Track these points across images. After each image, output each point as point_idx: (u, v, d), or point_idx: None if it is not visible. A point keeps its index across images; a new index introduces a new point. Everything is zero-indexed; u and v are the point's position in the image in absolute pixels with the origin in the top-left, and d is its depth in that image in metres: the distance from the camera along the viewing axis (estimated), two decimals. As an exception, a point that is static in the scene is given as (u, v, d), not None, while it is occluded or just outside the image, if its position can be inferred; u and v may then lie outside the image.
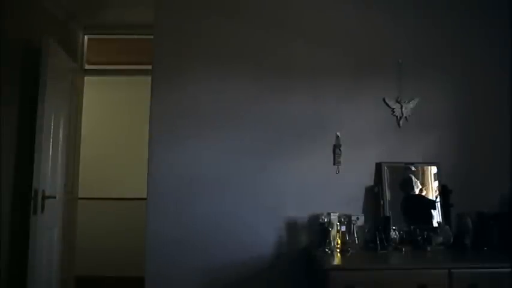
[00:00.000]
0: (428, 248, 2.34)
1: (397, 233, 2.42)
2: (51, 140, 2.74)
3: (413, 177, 2.57)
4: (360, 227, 2.42)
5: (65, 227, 3.07)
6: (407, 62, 2.68)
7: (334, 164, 2.60)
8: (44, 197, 2.57)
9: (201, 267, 2.49)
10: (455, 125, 2.67)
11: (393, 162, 2.60)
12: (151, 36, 2.64)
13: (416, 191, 2.57)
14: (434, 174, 2.59)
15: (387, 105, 2.65)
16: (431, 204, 2.55)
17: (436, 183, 2.57)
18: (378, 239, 2.32)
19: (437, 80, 2.69)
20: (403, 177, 2.58)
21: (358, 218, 2.44)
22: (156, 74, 2.61)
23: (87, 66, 3.70)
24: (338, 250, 2.28)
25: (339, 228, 2.33)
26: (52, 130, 2.75)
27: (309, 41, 2.67)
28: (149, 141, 2.57)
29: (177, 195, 2.53)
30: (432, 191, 2.58)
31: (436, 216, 2.53)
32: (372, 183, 2.59)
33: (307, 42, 2.67)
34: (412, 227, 2.46)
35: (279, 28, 2.67)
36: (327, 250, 2.28)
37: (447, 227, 2.46)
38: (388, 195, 2.53)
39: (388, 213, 2.49)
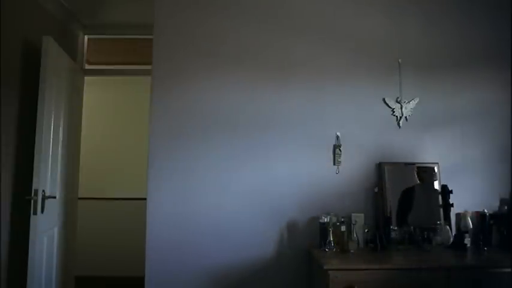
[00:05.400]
0: (428, 248, 2.34)
1: (397, 233, 2.42)
2: (51, 140, 2.74)
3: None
4: (359, 227, 2.42)
5: (65, 227, 3.07)
6: (407, 62, 2.68)
7: (334, 164, 2.60)
8: (44, 197, 2.57)
9: (201, 267, 2.49)
10: (455, 125, 2.67)
11: (393, 162, 2.60)
12: (151, 36, 2.64)
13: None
14: (434, 174, 2.59)
15: (387, 105, 2.66)
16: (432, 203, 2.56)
17: (436, 183, 2.57)
18: (378, 239, 2.33)
19: (437, 80, 2.69)
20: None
21: (358, 218, 2.44)
22: (156, 73, 2.61)
23: (87, 66, 3.70)
24: (338, 250, 2.28)
25: (339, 228, 2.33)
26: (52, 130, 2.75)
27: (309, 41, 2.67)
28: (149, 140, 2.57)
29: (177, 195, 2.53)
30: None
31: (436, 216, 2.53)
32: (372, 183, 2.59)
33: (307, 42, 2.67)
34: (412, 227, 2.46)
35: (279, 28, 2.68)
36: (327, 250, 2.29)
37: (447, 227, 2.47)
38: (388, 195, 2.53)
39: (388, 213, 2.49)
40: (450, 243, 2.41)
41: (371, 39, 2.70)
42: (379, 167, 2.60)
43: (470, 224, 2.44)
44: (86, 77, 3.60)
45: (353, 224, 2.39)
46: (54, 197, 2.78)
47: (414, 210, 2.53)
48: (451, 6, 2.75)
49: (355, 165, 2.60)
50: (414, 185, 2.57)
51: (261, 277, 2.50)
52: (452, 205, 2.50)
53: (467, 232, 2.40)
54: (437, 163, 2.61)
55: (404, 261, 2.15)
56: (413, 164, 2.60)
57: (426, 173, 2.57)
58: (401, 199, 2.53)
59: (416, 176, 2.57)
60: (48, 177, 2.70)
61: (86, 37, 3.72)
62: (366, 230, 2.42)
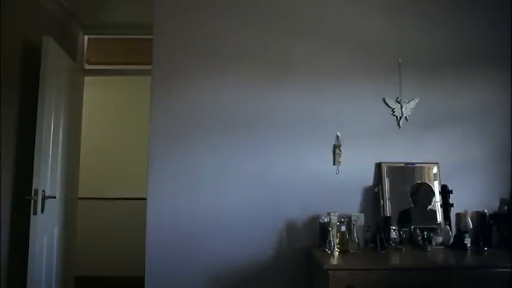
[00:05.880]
0: (428, 248, 2.34)
1: (397, 233, 2.42)
2: (51, 140, 2.74)
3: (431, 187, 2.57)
4: (359, 227, 2.41)
5: (65, 227, 3.07)
6: (407, 62, 2.68)
7: (334, 164, 2.60)
8: (44, 197, 2.57)
9: (201, 267, 2.49)
10: (456, 125, 2.67)
11: (393, 162, 2.60)
12: (151, 36, 2.64)
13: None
14: (434, 174, 2.59)
15: (387, 105, 2.66)
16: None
17: (436, 183, 2.57)
18: (377, 239, 2.33)
19: (438, 80, 2.69)
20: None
21: (358, 218, 2.44)
22: (156, 74, 2.61)
23: (87, 66, 3.70)
24: (338, 250, 2.28)
25: (339, 228, 2.33)
26: (52, 130, 2.75)
27: (309, 41, 2.67)
28: (149, 140, 2.57)
29: (177, 195, 2.53)
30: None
31: (436, 216, 2.53)
32: (372, 183, 2.59)
33: (307, 42, 2.67)
34: (412, 227, 2.46)
35: (279, 29, 2.67)
36: (327, 250, 2.29)
37: (447, 227, 2.47)
38: (388, 195, 2.53)
39: (388, 213, 2.49)
40: (450, 243, 2.41)
41: (371, 39, 2.70)
42: (379, 167, 2.60)
43: (470, 224, 2.44)
44: (86, 77, 3.60)
45: (353, 224, 2.38)
46: (54, 197, 2.78)
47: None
48: (451, 6, 2.75)
49: (355, 165, 2.59)
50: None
51: (261, 276, 2.50)
52: (452, 205, 2.50)
53: (467, 232, 2.40)
54: (437, 163, 2.61)
55: (404, 261, 2.15)
56: (413, 164, 2.59)
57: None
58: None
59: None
60: (48, 177, 2.70)
61: (86, 37, 3.72)
62: (366, 230, 2.42)
